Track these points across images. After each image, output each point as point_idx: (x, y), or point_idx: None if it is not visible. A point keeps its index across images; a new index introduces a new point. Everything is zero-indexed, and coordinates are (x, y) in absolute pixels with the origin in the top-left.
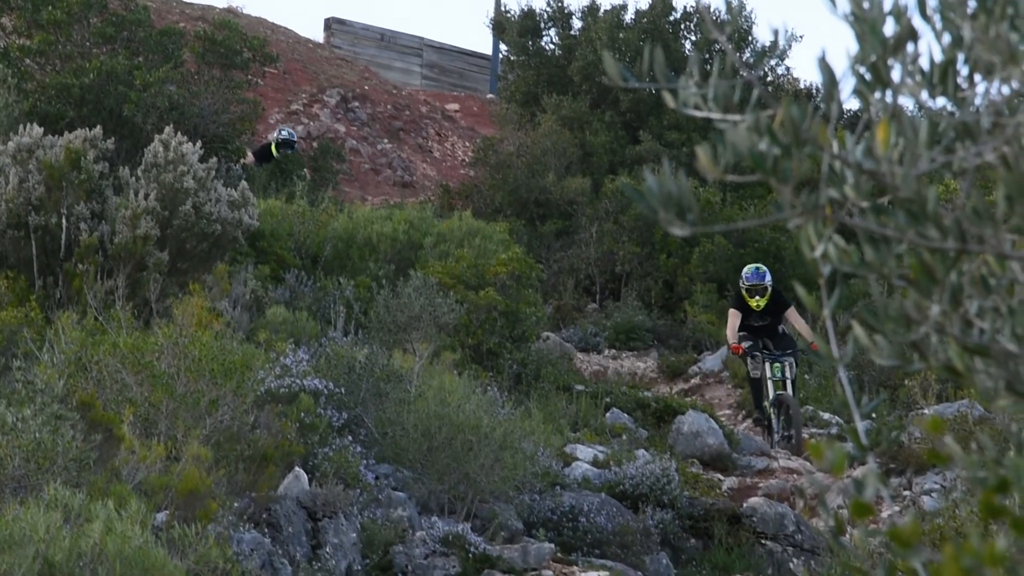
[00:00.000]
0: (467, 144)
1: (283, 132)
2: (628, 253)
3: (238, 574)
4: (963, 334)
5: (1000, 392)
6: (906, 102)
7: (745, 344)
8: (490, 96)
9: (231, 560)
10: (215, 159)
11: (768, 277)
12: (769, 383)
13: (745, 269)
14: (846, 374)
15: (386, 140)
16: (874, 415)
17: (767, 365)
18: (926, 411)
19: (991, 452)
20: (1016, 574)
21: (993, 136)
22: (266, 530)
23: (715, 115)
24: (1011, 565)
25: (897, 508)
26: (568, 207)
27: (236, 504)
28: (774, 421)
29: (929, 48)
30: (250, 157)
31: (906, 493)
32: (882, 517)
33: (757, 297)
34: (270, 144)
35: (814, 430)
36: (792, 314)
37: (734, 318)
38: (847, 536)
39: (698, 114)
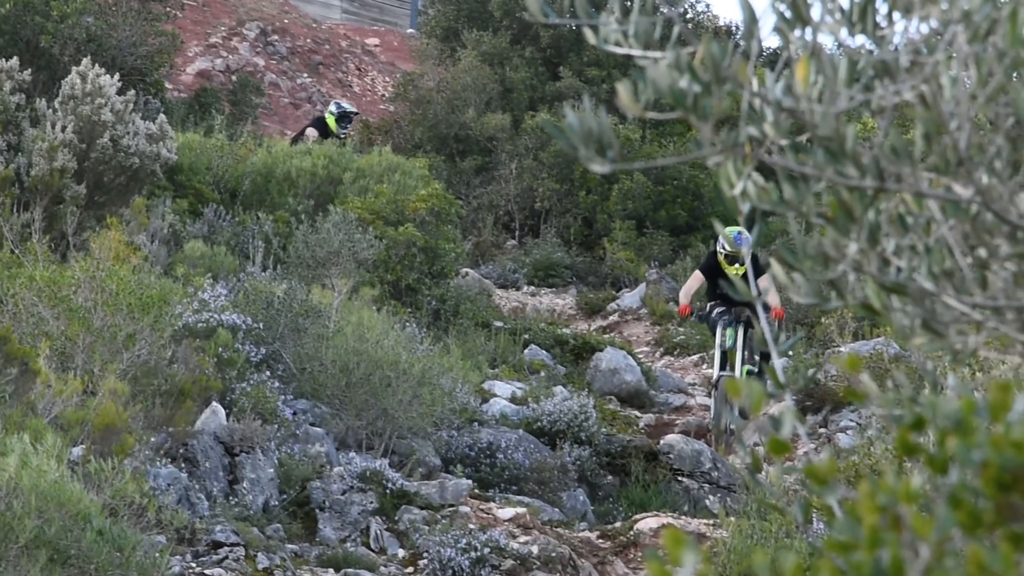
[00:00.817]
0: (387, 79)
1: (342, 105)
2: (547, 190)
3: (154, 509)
4: (880, 272)
5: (916, 330)
6: (826, 40)
7: (716, 312)
8: (410, 31)
9: (147, 495)
10: (133, 92)
11: (751, 241)
12: (717, 353)
13: (727, 230)
14: (765, 315)
15: (306, 74)
16: (791, 353)
17: (720, 330)
18: (843, 349)
19: (907, 390)
20: (931, 511)
21: (911, 75)
22: (183, 465)
23: (636, 52)
24: (925, 502)
25: (813, 446)
26: (488, 143)
27: (153, 439)
28: (720, 408)
29: None
30: (312, 133)
31: (822, 431)
32: (798, 454)
33: (738, 264)
34: (323, 118)
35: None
36: (765, 280)
37: (695, 280)
38: (763, 473)
39: (619, 51)
